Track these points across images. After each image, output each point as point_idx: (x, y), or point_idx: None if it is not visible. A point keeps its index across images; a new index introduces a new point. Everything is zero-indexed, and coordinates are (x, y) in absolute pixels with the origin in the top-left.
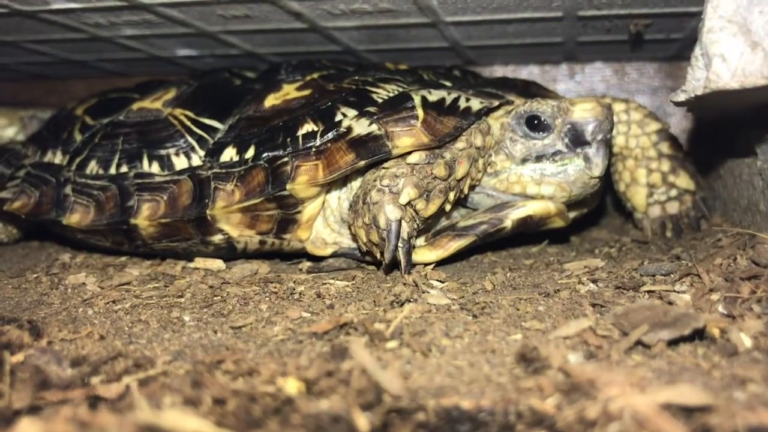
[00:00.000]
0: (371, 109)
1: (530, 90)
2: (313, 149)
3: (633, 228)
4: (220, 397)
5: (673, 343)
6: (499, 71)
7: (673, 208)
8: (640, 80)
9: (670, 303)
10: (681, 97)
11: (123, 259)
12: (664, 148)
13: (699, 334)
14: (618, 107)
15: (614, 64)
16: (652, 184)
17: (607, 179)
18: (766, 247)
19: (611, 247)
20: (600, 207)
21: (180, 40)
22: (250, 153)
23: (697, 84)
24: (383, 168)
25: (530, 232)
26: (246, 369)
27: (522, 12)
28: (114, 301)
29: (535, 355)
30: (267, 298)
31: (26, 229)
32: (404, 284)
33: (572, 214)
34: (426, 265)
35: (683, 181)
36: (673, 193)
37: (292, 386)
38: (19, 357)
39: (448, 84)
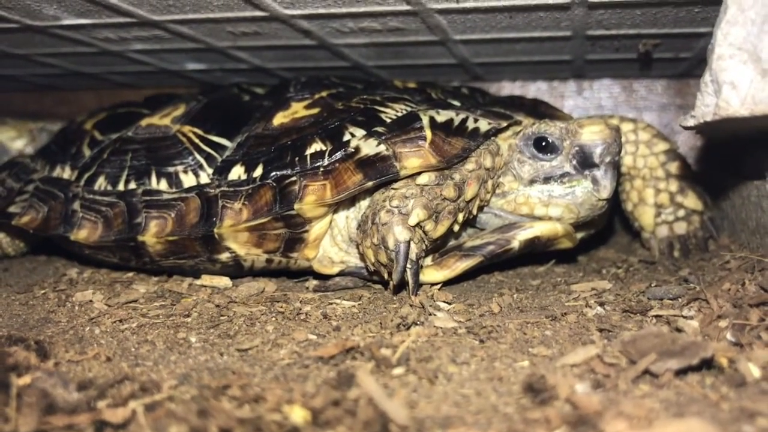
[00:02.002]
0: (379, 129)
1: (539, 110)
2: (321, 169)
3: (640, 247)
4: (225, 427)
5: (681, 372)
6: (507, 87)
7: (680, 228)
8: (649, 97)
9: (678, 329)
10: (690, 122)
11: (130, 275)
12: (672, 168)
13: (707, 364)
14: (626, 127)
15: (622, 81)
16: (659, 204)
17: (615, 198)
18: None
19: (618, 268)
20: (608, 226)
21: (189, 54)
22: (258, 171)
23: (707, 110)
24: (392, 189)
25: (537, 252)
26: (252, 395)
27: (531, 31)
28: (121, 320)
29: (542, 384)
30: (273, 319)
31: (33, 243)
32: (411, 306)
33: (580, 235)
34: (433, 285)
35: (691, 201)
36: (681, 213)
37: (298, 415)
38: (26, 379)
39: (456, 103)
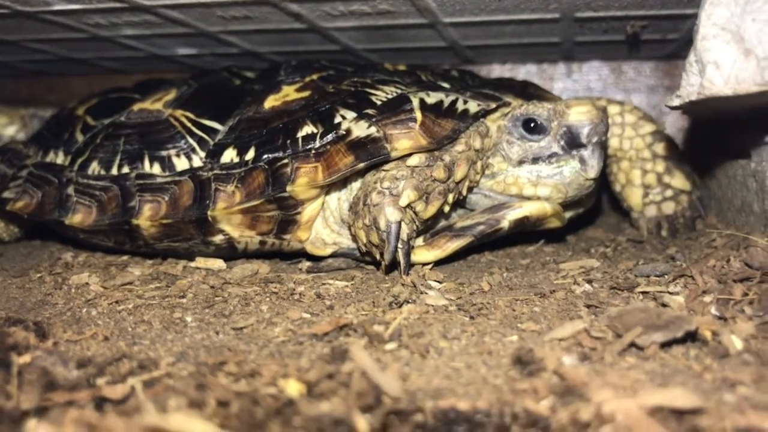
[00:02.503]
0: (370, 111)
1: (528, 91)
2: (313, 151)
3: (629, 227)
4: (223, 400)
5: (666, 345)
6: (497, 69)
7: (668, 208)
8: (637, 79)
9: (664, 305)
10: (675, 102)
11: (125, 258)
12: (659, 149)
13: (691, 337)
14: (613, 110)
15: (611, 62)
16: (647, 185)
17: (603, 178)
18: (759, 249)
19: (607, 247)
20: (596, 206)
21: (180, 39)
22: (251, 154)
23: (692, 89)
24: (383, 170)
25: (527, 231)
26: (248, 371)
27: (519, 14)
28: (117, 302)
29: (530, 357)
30: (268, 299)
31: (28, 228)
32: (403, 285)
33: (568, 214)
34: (424, 265)
35: (678, 181)
36: (669, 193)
37: (293, 388)
38: (25, 358)
39: (446, 85)
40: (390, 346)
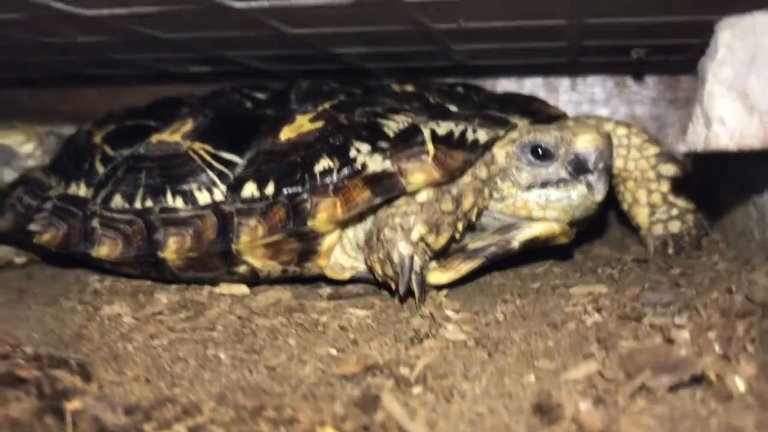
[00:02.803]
0: (383, 144)
1: (532, 108)
2: (331, 186)
3: (634, 242)
4: None
5: (674, 387)
6: (503, 82)
7: (675, 227)
8: (640, 92)
9: (671, 340)
10: (682, 148)
11: (149, 283)
12: (664, 170)
13: (697, 380)
14: (620, 131)
15: (615, 76)
16: (653, 204)
17: (609, 194)
18: (760, 285)
19: (613, 268)
20: (602, 221)
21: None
22: (270, 189)
23: (698, 140)
24: (394, 206)
25: (536, 248)
26: (287, 417)
27: (526, 42)
28: (151, 336)
29: (549, 402)
30: (294, 331)
31: (47, 254)
32: (421, 317)
33: (574, 229)
34: (439, 289)
35: (683, 201)
36: (675, 212)
37: None
38: (75, 404)
39: (453, 109)
40: (416, 389)
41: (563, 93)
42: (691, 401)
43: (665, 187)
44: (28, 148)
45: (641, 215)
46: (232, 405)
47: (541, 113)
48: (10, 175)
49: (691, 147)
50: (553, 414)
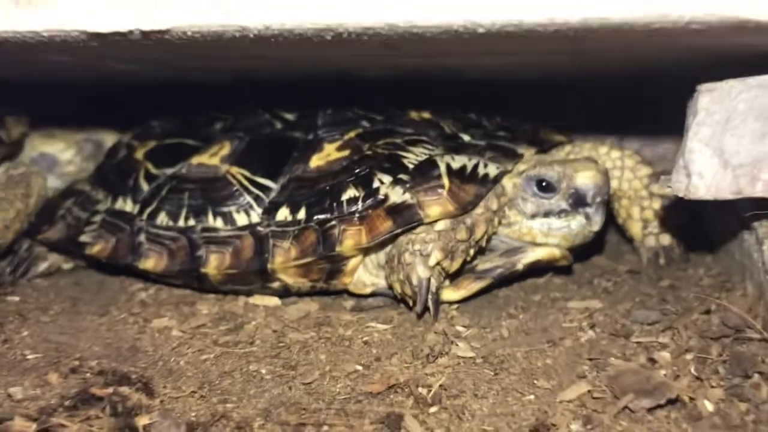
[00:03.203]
0: (403, 176)
1: (539, 137)
2: (357, 215)
3: (628, 251)
4: None
5: (652, 409)
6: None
7: (665, 240)
8: None
9: (653, 360)
10: (667, 190)
11: (188, 292)
12: (655, 188)
13: (672, 401)
14: (614, 154)
15: None
16: (645, 219)
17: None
18: (735, 312)
19: (608, 281)
20: (600, 234)
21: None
22: (302, 214)
23: (680, 187)
24: (414, 233)
25: (539, 269)
26: None
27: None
28: (200, 351)
29: (545, 423)
30: (323, 346)
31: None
32: (435, 333)
33: (573, 253)
34: (451, 304)
35: (675, 217)
36: (666, 227)
37: None
38: (144, 420)
39: (466, 138)
40: (433, 409)
41: None
42: (666, 421)
43: (657, 204)
44: (68, 155)
45: (635, 229)
46: (276, 421)
47: (546, 142)
48: (53, 182)
49: (675, 192)
50: None
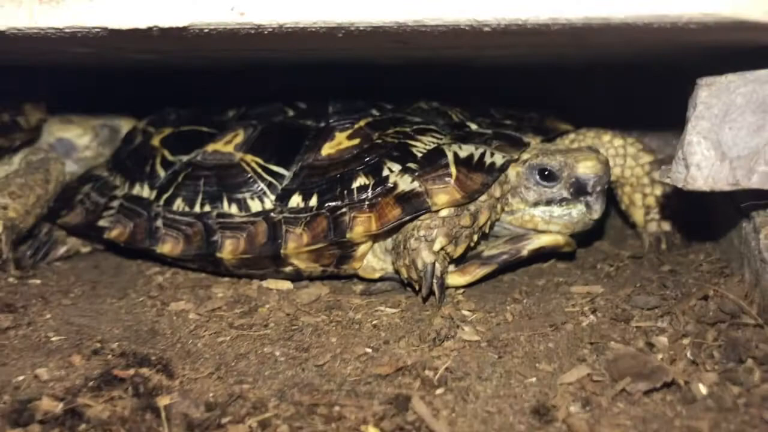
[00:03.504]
0: (412, 165)
1: (545, 125)
2: (366, 202)
3: (631, 235)
4: None
5: (648, 392)
6: None
7: (667, 225)
8: None
9: (651, 345)
10: (666, 180)
11: (203, 275)
12: (657, 175)
13: (668, 384)
14: (617, 142)
15: None
16: (647, 205)
17: (609, 195)
18: (731, 298)
19: (611, 266)
20: (602, 219)
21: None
22: (314, 201)
23: (679, 177)
24: (419, 220)
25: (543, 255)
26: (336, 414)
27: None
28: (216, 333)
29: (546, 405)
30: (334, 329)
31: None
32: (441, 317)
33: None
34: (457, 288)
35: (677, 203)
36: (668, 212)
37: None
38: (165, 401)
39: (474, 127)
40: (439, 391)
41: None
42: (661, 404)
43: (659, 190)
44: (85, 140)
45: (637, 215)
46: (290, 401)
47: (552, 130)
48: (71, 167)
49: (674, 183)
50: (549, 416)
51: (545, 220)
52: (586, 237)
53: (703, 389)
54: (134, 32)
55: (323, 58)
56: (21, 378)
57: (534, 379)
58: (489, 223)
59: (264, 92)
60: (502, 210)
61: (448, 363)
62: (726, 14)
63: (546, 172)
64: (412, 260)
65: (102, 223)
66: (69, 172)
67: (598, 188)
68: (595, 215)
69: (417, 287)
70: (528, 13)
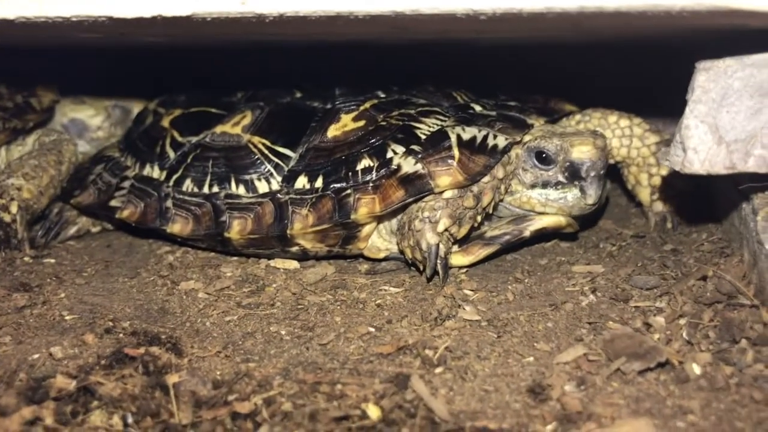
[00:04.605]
0: (415, 147)
1: (549, 107)
2: (371, 184)
3: (635, 213)
4: (329, 430)
5: (642, 372)
6: None
7: (672, 205)
8: None
9: (648, 325)
10: (665, 163)
11: (212, 255)
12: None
13: (662, 364)
14: (623, 123)
15: None
16: (653, 185)
17: (615, 173)
18: (725, 281)
19: (613, 245)
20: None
21: None
22: (319, 183)
23: (677, 161)
24: (423, 201)
25: (546, 236)
26: (338, 393)
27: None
28: (224, 312)
29: (541, 383)
30: (339, 308)
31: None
32: (444, 297)
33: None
34: (460, 268)
35: (680, 183)
36: (672, 192)
37: (373, 412)
38: (174, 378)
39: (478, 109)
40: (438, 369)
41: None
42: (655, 383)
43: (665, 170)
44: (97, 120)
45: (643, 194)
46: (294, 379)
47: (557, 112)
48: (83, 147)
49: (672, 166)
50: (543, 394)
51: (541, 202)
52: (589, 219)
53: (696, 369)
54: (139, 21)
55: (328, 40)
56: (36, 356)
57: (531, 359)
58: (492, 204)
59: (272, 73)
60: (506, 191)
61: (448, 342)
62: (719, 3)
63: (543, 155)
64: (417, 241)
65: (114, 203)
66: (81, 153)
67: (592, 173)
68: (590, 200)
69: (421, 267)
70: (523, 2)
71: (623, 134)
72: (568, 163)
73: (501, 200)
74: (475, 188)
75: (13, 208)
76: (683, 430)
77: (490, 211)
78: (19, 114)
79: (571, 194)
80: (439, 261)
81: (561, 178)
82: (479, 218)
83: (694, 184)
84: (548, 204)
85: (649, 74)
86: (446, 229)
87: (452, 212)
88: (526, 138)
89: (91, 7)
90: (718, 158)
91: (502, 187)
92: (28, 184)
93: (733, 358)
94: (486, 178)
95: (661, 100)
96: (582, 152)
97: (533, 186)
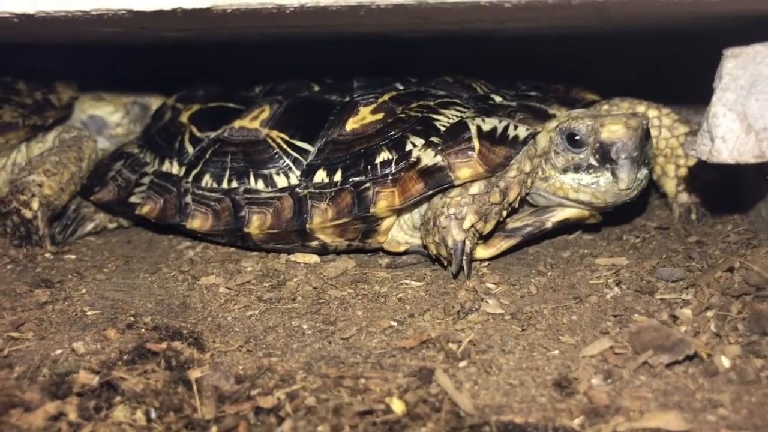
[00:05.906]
0: (435, 139)
1: (572, 96)
2: (390, 177)
3: (659, 205)
4: (353, 425)
5: (670, 364)
6: None
7: (698, 196)
8: None
9: (675, 317)
10: (692, 153)
11: (232, 250)
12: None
13: (690, 357)
14: (652, 113)
15: None
16: (680, 176)
17: None
18: (755, 270)
19: (636, 237)
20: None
21: None
22: (338, 177)
23: (704, 150)
24: (448, 197)
25: (569, 227)
26: (362, 387)
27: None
28: (245, 307)
29: (568, 377)
30: (360, 302)
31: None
32: (466, 290)
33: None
34: (481, 261)
35: (707, 174)
36: (699, 183)
37: (397, 407)
38: (196, 373)
39: (498, 99)
40: (462, 363)
41: None
42: (683, 376)
43: (692, 162)
44: (116, 117)
45: (669, 185)
46: (317, 374)
47: (579, 101)
48: (102, 143)
49: (699, 156)
50: (570, 388)
51: (574, 188)
52: (622, 209)
53: (725, 362)
54: (159, 13)
55: (349, 31)
56: (59, 352)
57: (557, 352)
58: (519, 198)
59: (289, 67)
60: (532, 185)
61: (471, 336)
62: None
63: (575, 137)
64: (442, 238)
65: (133, 199)
66: (101, 149)
67: (623, 155)
68: (622, 185)
69: (446, 264)
70: None
71: (652, 125)
72: (598, 145)
73: (528, 194)
74: (501, 183)
75: (35, 205)
76: (714, 423)
77: (516, 206)
78: (39, 110)
79: (603, 178)
80: (464, 257)
81: (592, 161)
82: (505, 213)
83: (720, 174)
84: (581, 190)
85: (668, 63)
86: (472, 226)
87: (478, 208)
88: (554, 123)
89: (111, 0)
90: (746, 147)
91: (529, 181)
92: (49, 180)
93: (764, 350)
94: (512, 173)
95: (678, 90)
96: (612, 132)
97: (565, 170)
